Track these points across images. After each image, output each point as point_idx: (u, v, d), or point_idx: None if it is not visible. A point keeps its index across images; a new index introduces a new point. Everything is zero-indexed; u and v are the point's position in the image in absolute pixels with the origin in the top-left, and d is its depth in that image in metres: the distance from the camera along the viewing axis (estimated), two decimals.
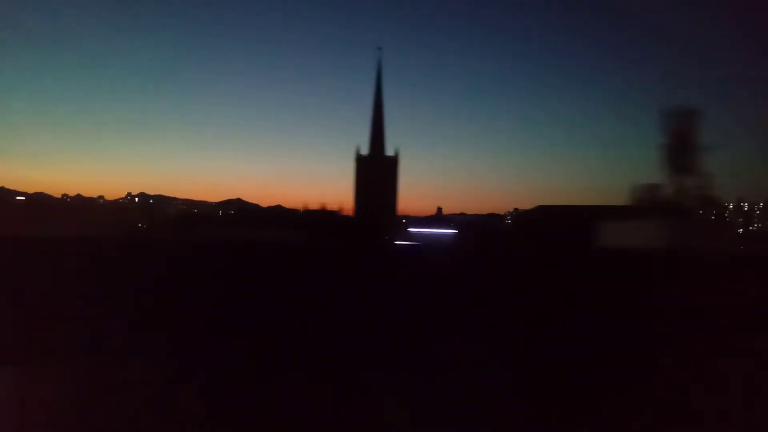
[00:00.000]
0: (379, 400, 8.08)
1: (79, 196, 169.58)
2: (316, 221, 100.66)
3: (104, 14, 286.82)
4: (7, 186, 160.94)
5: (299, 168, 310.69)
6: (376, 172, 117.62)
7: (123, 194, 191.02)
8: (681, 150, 49.17)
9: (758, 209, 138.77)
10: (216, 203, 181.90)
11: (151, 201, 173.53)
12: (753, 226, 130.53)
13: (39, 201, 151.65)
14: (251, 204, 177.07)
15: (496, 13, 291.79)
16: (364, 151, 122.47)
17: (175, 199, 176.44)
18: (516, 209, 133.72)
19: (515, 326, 11.04)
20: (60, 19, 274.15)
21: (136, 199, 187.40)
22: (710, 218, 59.46)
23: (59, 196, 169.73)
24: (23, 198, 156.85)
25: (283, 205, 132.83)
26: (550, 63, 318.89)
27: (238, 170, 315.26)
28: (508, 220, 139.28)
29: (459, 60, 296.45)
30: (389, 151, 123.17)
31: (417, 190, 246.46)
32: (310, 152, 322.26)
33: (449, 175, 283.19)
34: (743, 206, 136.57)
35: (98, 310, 11.08)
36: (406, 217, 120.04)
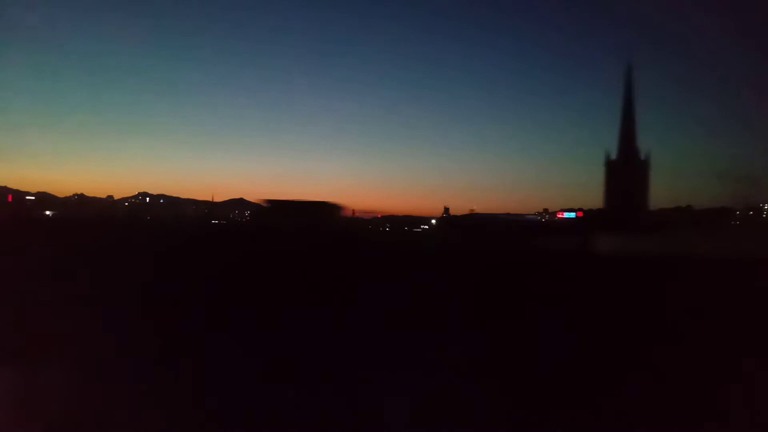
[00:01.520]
0: None
1: (83, 195, 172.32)
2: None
3: (117, 12, 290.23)
4: (10, 185, 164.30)
5: (540, 173, 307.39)
6: (627, 176, 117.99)
7: (133, 193, 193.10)
8: None
9: None
10: (222, 202, 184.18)
11: (161, 201, 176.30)
12: None
13: (44, 200, 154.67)
14: (251, 203, 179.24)
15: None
16: (610, 155, 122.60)
17: (177, 198, 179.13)
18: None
19: None
20: (67, 19, 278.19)
21: (147, 199, 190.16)
22: None
23: (63, 195, 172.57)
24: (33, 198, 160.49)
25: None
26: None
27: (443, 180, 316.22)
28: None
29: (709, 60, 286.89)
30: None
31: (667, 190, 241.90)
32: (548, 157, 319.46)
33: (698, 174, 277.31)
34: None
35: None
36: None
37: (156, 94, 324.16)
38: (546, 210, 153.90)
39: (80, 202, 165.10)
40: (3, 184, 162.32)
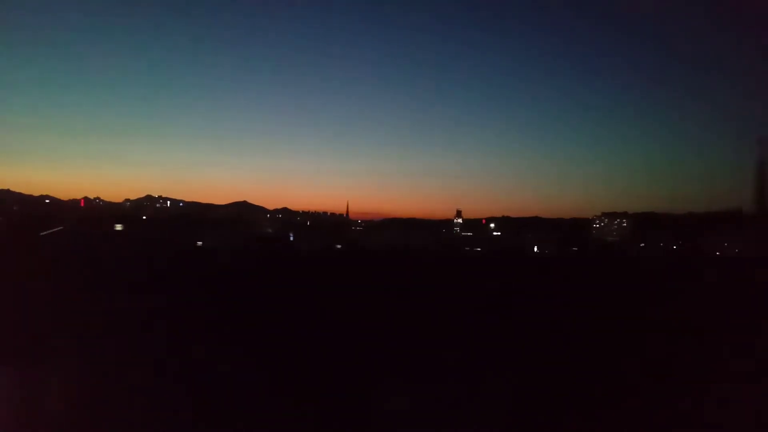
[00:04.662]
0: None
1: (86, 198, 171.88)
2: None
3: (119, 12, 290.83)
4: (12, 189, 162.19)
5: None
6: None
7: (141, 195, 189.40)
8: None
9: None
10: (224, 205, 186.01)
11: (178, 203, 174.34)
12: None
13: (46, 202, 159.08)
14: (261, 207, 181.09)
15: None
16: None
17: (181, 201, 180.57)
18: None
19: None
20: (72, 20, 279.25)
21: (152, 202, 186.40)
22: None
23: (67, 198, 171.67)
24: (48, 201, 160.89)
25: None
26: None
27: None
28: None
29: None
30: None
31: None
32: None
33: None
34: None
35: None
36: None
37: (159, 95, 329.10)
38: (604, 213, 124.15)
39: (91, 205, 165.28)
40: (5, 188, 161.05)
